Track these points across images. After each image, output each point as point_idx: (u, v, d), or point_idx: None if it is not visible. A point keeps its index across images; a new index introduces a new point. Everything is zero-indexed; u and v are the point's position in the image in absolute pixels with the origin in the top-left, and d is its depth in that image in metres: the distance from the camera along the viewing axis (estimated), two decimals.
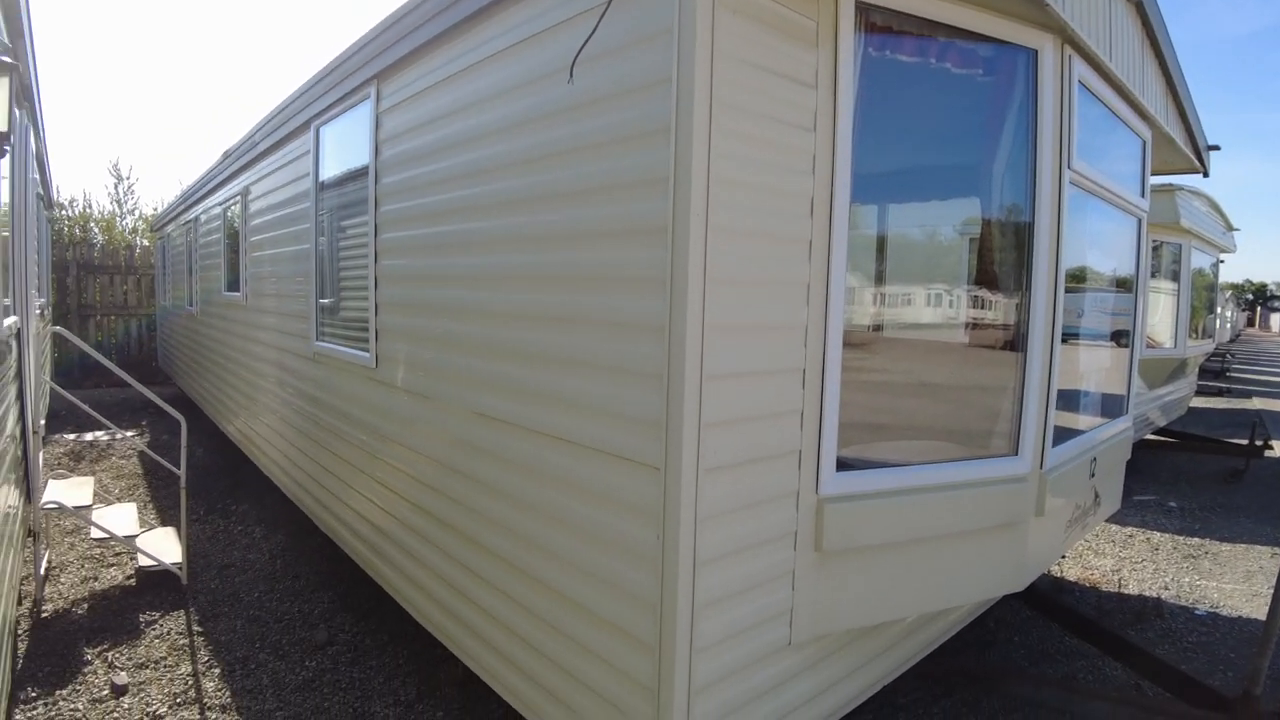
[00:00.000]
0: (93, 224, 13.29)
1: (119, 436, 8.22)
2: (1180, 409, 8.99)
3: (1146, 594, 4.99)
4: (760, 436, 1.93)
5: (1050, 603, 3.89)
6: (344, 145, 4.01)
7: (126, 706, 3.29)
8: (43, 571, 4.38)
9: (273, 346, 5.28)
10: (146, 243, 13.08)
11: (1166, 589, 5.08)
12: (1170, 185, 6.56)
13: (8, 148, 2.40)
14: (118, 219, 13.83)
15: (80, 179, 36.01)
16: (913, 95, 2.37)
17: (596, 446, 2.02)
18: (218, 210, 6.96)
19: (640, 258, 1.83)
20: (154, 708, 3.29)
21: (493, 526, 2.56)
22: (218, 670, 3.61)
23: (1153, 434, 8.75)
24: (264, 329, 5.49)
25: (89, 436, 8.38)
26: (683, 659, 1.80)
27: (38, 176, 6.23)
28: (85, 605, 4.19)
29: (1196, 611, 4.70)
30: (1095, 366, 3.29)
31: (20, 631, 3.85)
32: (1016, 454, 2.46)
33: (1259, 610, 4.67)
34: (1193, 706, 3.02)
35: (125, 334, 11.97)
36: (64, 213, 12.94)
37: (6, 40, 3.08)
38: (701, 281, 1.73)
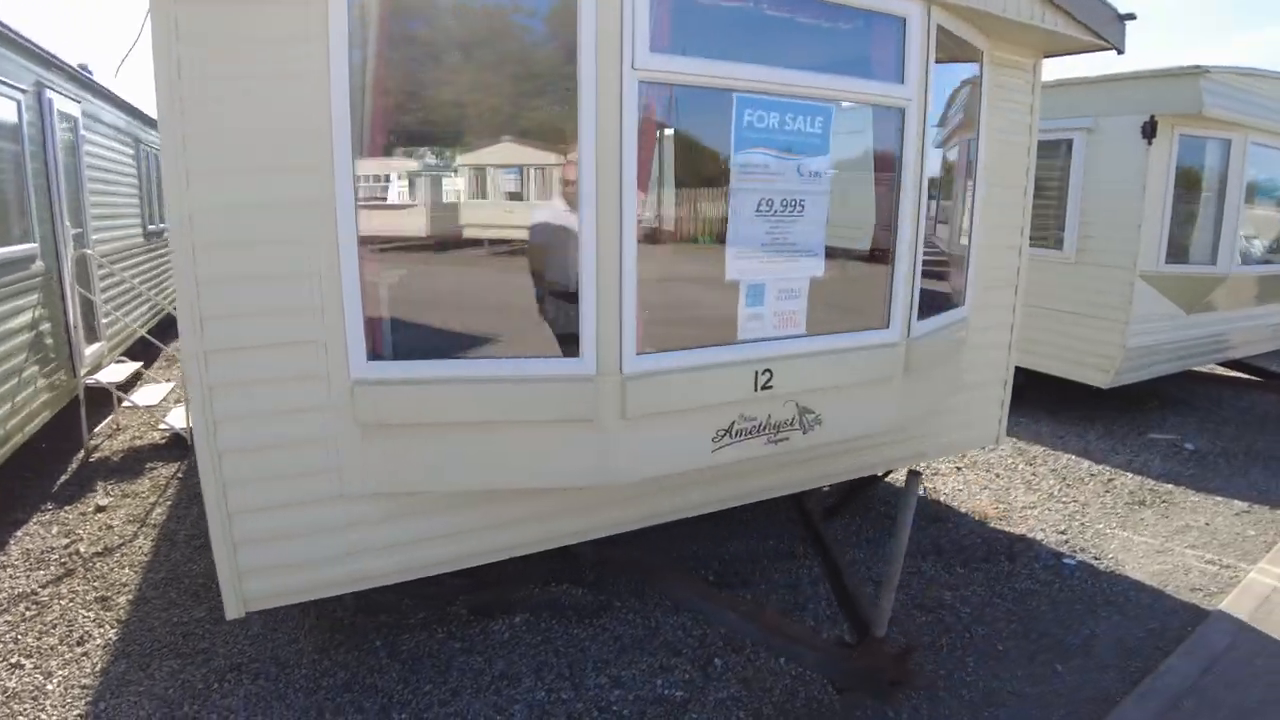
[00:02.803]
0: None
1: None
2: (1274, 342, 7.61)
3: (1032, 536, 4.72)
4: (269, 327, 2.51)
5: (810, 524, 3.98)
6: None
7: (97, 519, 4.63)
8: (97, 429, 5.96)
9: None
10: None
11: (1063, 534, 4.76)
12: (1196, 67, 5.46)
13: None
14: None
15: None
16: (453, 26, 2.67)
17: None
18: None
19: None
20: (113, 521, 4.60)
21: None
22: (170, 503, 4.88)
23: (1222, 366, 7.61)
24: None
25: None
26: (214, 484, 2.52)
27: (113, 128, 7.85)
28: (120, 455, 5.71)
29: (1065, 561, 4.40)
30: (798, 275, 3.18)
31: (70, 470, 5.39)
32: (579, 357, 2.74)
33: (1140, 570, 4.28)
34: (841, 641, 3.13)
35: None
36: None
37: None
38: (186, 211, 2.34)
